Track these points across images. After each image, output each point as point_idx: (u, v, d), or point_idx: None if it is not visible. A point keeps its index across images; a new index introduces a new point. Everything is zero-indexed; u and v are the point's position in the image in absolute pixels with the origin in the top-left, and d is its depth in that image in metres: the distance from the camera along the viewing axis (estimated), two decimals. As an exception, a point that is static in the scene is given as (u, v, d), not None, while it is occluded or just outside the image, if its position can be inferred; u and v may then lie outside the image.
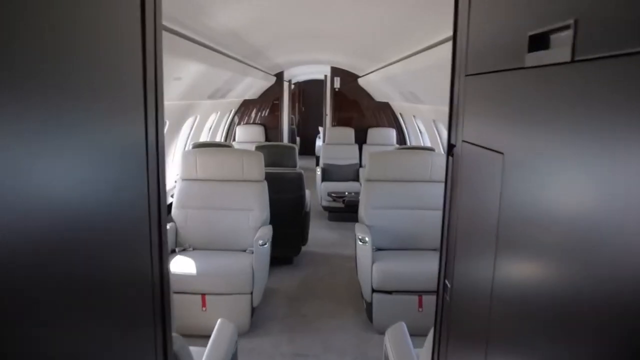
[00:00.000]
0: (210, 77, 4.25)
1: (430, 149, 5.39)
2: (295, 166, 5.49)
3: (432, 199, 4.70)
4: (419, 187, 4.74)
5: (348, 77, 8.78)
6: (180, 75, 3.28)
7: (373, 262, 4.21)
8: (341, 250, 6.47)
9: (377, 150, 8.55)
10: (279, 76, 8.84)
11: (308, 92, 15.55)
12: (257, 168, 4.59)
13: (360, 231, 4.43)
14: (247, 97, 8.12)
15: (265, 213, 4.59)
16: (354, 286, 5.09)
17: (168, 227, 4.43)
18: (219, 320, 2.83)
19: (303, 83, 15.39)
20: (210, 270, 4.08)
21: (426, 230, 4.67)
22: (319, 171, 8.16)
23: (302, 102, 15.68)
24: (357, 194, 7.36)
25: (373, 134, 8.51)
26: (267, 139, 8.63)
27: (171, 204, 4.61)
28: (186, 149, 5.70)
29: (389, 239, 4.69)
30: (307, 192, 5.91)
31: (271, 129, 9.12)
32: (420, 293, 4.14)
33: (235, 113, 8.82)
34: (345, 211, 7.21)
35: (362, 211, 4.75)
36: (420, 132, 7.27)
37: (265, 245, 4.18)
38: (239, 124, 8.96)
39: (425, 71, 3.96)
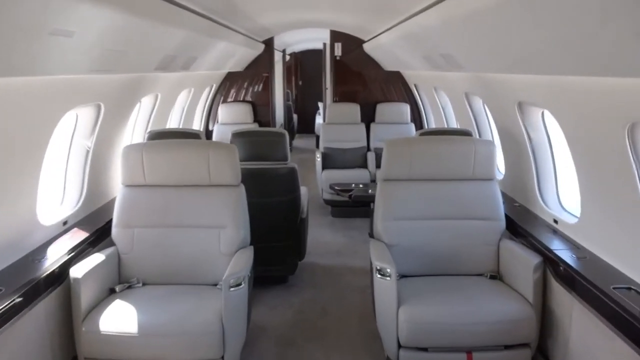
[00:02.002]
0: (145, 37, 2.86)
1: (466, 133, 4.01)
2: (286, 159, 4.12)
3: (476, 203, 3.36)
4: (457, 188, 3.40)
5: (351, 43, 7.31)
6: (69, 28, 1.89)
7: (399, 306, 2.88)
8: (349, 260, 5.15)
9: (389, 130, 7.18)
10: (269, 43, 7.38)
11: (305, 63, 14.05)
12: (229, 167, 3.23)
13: (377, 256, 3.09)
14: (229, 69, 6.66)
15: (243, 230, 3.25)
16: (368, 319, 3.78)
17: (107, 253, 3.12)
18: None
19: (300, 54, 13.89)
20: (160, 326, 2.76)
21: (469, 247, 3.35)
22: (319, 157, 6.78)
23: (299, 75, 14.18)
24: (367, 185, 5.99)
25: (383, 110, 7.10)
26: (256, 119, 7.23)
27: (110, 222, 3.27)
28: (142, 139, 4.32)
29: (417, 262, 3.37)
30: (304, 191, 4.55)
31: (261, 106, 7.71)
32: (469, 350, 2.83)
33: (218, 89, 7.39)
34: (351, 205, 5.86)
35: (378, 224, 3.40)
36: (442, 109, 5.86)
37: (241, 287, 2.84)
38: (224, 101, 7.54)
39: (474, 19, 2.55)
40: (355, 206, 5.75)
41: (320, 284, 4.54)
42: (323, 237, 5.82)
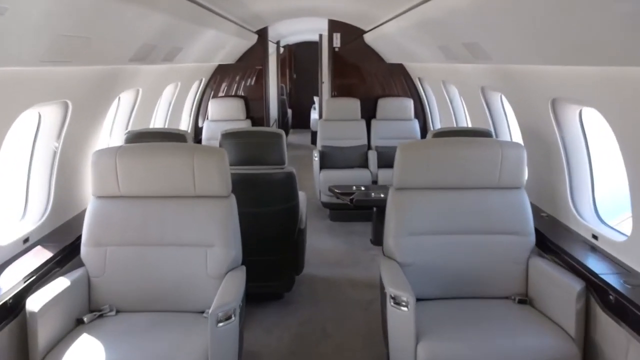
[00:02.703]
0: (114, 21, 2.38)
1: (486, 133, 3.57)
2: (283, 163, 3.65)
3: (503, 215, 2.93)
4: (481, 198, 2.95)
5: (351, 33, 6.83)
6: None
7: (418, 341, 2.44)
8: (350, 271, 4.71)
9: (392, 127, 6.66)
10: (262, 34, 6.88)
11: (300, 56, 13.55)
12: (217, 175, 2.76)
13: (391, 280, 2.65)
14: (219, 62, 6.16)
15: (234, 249, 2.79)
16: (374, 342, 3.35)
17: (74, 277, 2.66)
18: None
19: (294, 46, 13.39)
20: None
21: (494, 266, 2.92)
22: (316, 156, 6.31)
23: (293, 68, 13.68)
24: (368, 187, 5.54)
25: (384, 105, 6.63)
26: (248, 115, 6.75)
27: (79, 238, 2.80)
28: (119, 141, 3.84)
29: (435, 283, 2.94)
30: (302, 197, 4.10)
31: (255, 101, 7.21)
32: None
33: (208, 83, 6.89)
34: (351, 208, 5.41)
35: (389, 240, 2.96)
36: (451, 104, 5.41)
37: (231, 321, 2.39)
38: (214, 96, 7.04)
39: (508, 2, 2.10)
40: (355, 209, 5.30)
41: (320, 300, 4.10)
42: (322, 244, 5.37)
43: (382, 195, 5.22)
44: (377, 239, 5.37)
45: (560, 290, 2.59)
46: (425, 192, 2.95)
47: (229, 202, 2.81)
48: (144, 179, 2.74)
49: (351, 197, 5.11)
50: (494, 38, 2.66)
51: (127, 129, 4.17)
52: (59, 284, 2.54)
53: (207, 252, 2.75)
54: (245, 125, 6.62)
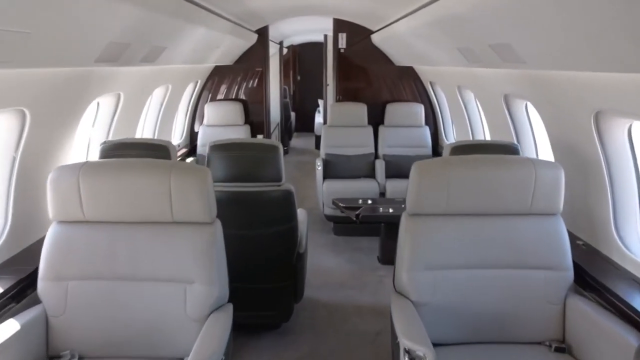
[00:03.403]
0: (63, 14, 1.94)
1: (512, 149, 3.13)
2: (279, 179, 3.20)
3: (536, 246, 2.50)
4: (510, 227, 2.51)
5: (358, 34, 6.39)
6: None
7: (439, 407, 2.00)
8: (356, 294, 4.27)
9: (401, 135, 6.14)
10: (263, 33, 6.45)
11: (304, 57, 13.12)
12: (199, 198, 2.33)
13: (405, 329, 2.21)
14: (214, 63, 5.72)
15: (218, 285, 2.36)
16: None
17: (28, 317, 2.24)
18: None
19: (298, 46, 12.96)
20: None
21: (526, 307, 2.49)
22: (319, 165, 5.87)
23: (297, 69, 13.24)
24: (375, 201, 5.10)
25: (393, 111, 6.18)
26: (247, 119, 6.31)
27: (36, 271, 2.38)
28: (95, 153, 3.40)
29: (456, 325, 2.50)
30: (302, 216, 3.67)
31: (255, 105, 6.78)
32: None
33: (204, 86, 6.46)
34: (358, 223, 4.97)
35: (402, 274, 2.52)
36: (467, 112, 4.95)
37: None
38: (212, 100, 6.61)
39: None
40: (361, 223, 4.86)
41: (322, 331, 3.66)
42: (324, 262, 4.93)
43: (390, 211, 4.79)
44: (385, 258, 4.94)
45: (609, 341, 2.14)
46: (444, 218, 2.50)
47: (213, 229, 2.38)
48: (112, 201, 2.31)
49: (357, 213, 4.68)
50: (530, 39, 2.21)
51: (107, 138, 3.75)
52: (10, 325, 2.13)
53: (187, 289, 2.32)
54: (244, 130, 6.18)
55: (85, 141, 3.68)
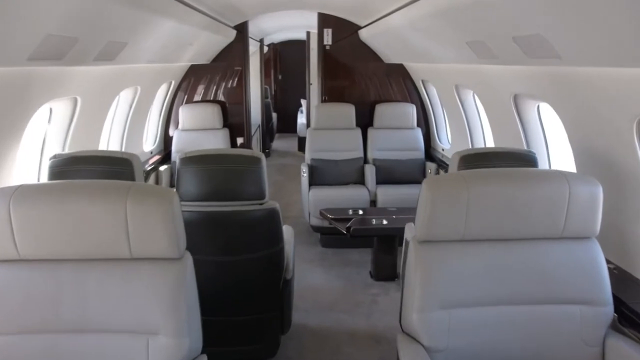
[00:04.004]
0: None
1: (528, 157, 2.73)
2: (262, 196, 2.75)
3: (569, 277, 2.11)
4: (539, 254, 2.11)
5: (344, 29, 5.95)
6: None
7: None
8: (348, 318, 3.85)
9: (392, 137, 5.66)
10: (242, 30, 5.97)
11: (286, 55, 12.67)
12: (163, 229, 1.86)
13: None
14: (188, 61, 5.23)
15: (189, 335, 1.90)
16: None
17: None
18: None
19: (279, 45, 12.51)
20: None
21: (559, 349, 2.10)
22: (304, 171, 5.44)
23: (278, 68, 12.77)
24: (367, 211, 4.68)
25: (383, 112, 5.76)
26: (226, 122, 5.83)
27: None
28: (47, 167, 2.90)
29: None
30: (288, 235, 3.24)
31: (235, 105, 6.31)
32: None
33: (179, 87, 5.96)
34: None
35: (412, 314, 2.10)
36: (465, 114, 4.56)
37: None
38: (188, 101, 6.11)
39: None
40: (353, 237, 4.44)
41: (312, 364, 3.23)
42: (312, 280, 4.50)
43: (384, 223, 4.38)
44: (378, 273, 4.54)
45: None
46: (462, 246, 2.09)
47: (182, 267, 1.92)
48: (53, 234, 1.84)
49: (348, 226, 4.26)
50: (569, 29, 1.80)
51: (64, 150, 3.25)
52: None
53: (150, 342, 1.86)
54: (222, 135, 5.71)
55: (36, 156, 3.19)
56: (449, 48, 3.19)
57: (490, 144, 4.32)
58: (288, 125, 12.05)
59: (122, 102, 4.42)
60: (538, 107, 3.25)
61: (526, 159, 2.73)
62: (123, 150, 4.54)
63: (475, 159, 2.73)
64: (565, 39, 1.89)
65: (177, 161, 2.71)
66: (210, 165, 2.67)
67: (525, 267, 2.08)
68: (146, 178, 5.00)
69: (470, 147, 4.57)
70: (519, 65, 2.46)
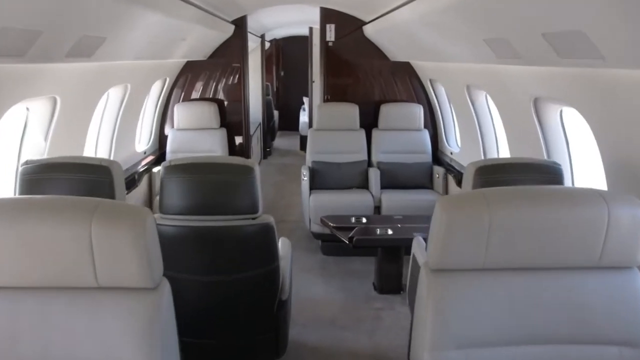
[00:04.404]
0: None
1: (552, 169, 2.45)
2: (255, 209, 2.47)
3: (607, 313, 1.83)
4: (573, 286, 1.83)
5: (347, 25, 5.66)
6: None
7: None
8: (351, 335, 3.58)
9: (398, 139, 5.30)
10: (240, 24, 5.69)
11: (288, 52, 12.37)
12: (135, 254, 1.58)
13: None
14: (182, 58, 4.94)
15: None
16: None
17: None
18: None
19: (281, 40, 12.21)
20: None
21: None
22: (305, 174, 5.16)
23: (280, 65, 12.48)
24: (371, 219, 4.40)
25: (388, 112, 5.47)
26: (224, 122, 5.56)
27: None
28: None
29: None
30: (284, 251, 2.96)
31: (234, 103, 6.04)
32: None
33: (174, 84, 5.68)
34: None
35: (422, 354, 1.82)
36: (475, 114, 4.27)
37: None
38: (185, 99, 5.84)
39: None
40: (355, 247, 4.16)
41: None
42: (312, 291, 4.23)
43: (389, 232, 4.11)
44: (382, 285, 4.26)
45: None
46: (482, 276, 1.81)
47: (157, 298, 1.65)
48: (9, 259, 1.58)
49: (351, 236, 3.98)
50: (618, 25, 1.51)
51: (43, 154, 2.98)
52: None
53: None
54: (219, 135, 5.43)
55: (11, 161, 2.92)
56: (463, 45, 2.90)
57: (504, 149, 4.04)
58: (290, 123, 11.77)
59: (112, 101, 4.16)
60: (561, 112, 2.96)
61: (550, 172, 2.45)
62: (113, 151, 4.28)
63: (493, 171, 2.45)
64: (613, 38, 1.60)
65: (162, 170, 2.43)
66: (197, 175, 2.40)
67: (556, 301, 1.80)
68: (139, 180, 4.74)
69: (482, 151, 4.29)
70: (548, 66, 2.18)
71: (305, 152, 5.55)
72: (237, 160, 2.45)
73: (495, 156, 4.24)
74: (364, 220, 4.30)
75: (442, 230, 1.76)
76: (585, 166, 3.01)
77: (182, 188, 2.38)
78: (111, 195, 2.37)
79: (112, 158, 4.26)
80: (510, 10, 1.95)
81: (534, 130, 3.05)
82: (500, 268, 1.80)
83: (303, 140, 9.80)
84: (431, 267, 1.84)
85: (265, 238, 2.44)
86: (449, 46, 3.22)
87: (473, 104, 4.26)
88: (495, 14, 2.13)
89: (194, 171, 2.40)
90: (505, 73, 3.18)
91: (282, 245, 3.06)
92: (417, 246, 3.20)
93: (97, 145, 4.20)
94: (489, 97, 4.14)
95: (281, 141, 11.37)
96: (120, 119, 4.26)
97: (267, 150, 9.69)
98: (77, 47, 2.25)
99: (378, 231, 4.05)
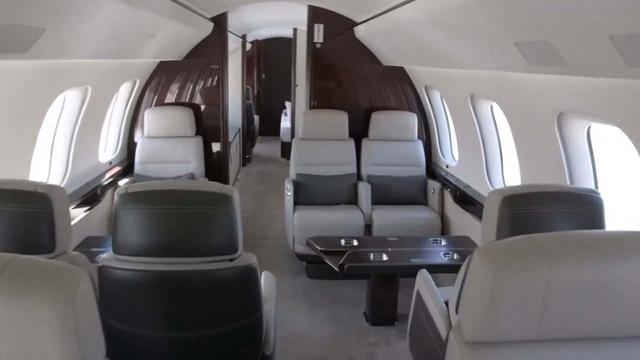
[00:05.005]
0: None
1: (591, 198, 2.03)
2: (234, 249, 1.98)
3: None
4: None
5: (337, 25, 5.21)
6: None
7: None
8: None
9: (389, 150, 4.82)
10: (220, 22, 5.19)
11: (271, 54, 11.89)
12: (61, 343, 1.09)
13: None
14: (153, 57, 4.42)
15: None
16: None
17: None
18: None
19: (264, 42, 11.73)
20: None
21: None
22: (289, 189, 4.69)
23: (262, 67, 11.99)
24: (362, 242, 3.94)
25: (379, 121, 5.04)
26: (200, 127, 5.05)
27: None
28: None
29: None
30: (269, 290, 2.49)
31: (212, 107, 5.54)
32: None
33: (146, 86, 5.15)
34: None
35: None
36: (479, 126, 3.86)
37: None
38: (158, 103, 5.31)
39: None
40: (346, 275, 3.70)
41: None
42: (296, 324, 3.76)
43: (384, 258, 3.66)
44: (374, 315, 3.81)
45: None
46: (532, 348, 1.38)
47: None
48: None
49: (341, 263, 3.52)
50: None
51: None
52: None
53: None
54: (193, 144, 4.93)
55: None
56: (484, 49, 2.48)
57: (511, 167, 3.65)
58: (271, 127, 11.28)
59: (69, 106, 3.63)
60: (588, 129, 2.56)
61: (590, 203, 2.04)
62: (70, 163, 3.75)
63: (523, 202, 2.03)
64: None
65: (115, 198, 1.94)
66: (160, 206, 1.91)
67: None
68: (102, 194, 4.21)
69: (484, 167, 3.88)
70: (610, 77, 1.76)
71: (286, 159, 5.09)
72: (212, 186, 1.97)
73: (499, 173, 3.84)
74: (355, 242, 3.84)
75: (486, 296, 1.32)
76: (612, 191, 2.62)
77: (141, 222, 1.89)
78: (50, 232, 1.88)
79: (69, 170, 3.74)
80: (563, 7, 1.53)
81: (554, 150, 2.65)
82: (557, 338, 1.38)
83: (284, 146, 9.33)
84: (467, 339, 1.40)
85: (246, 284, 1.97)
86: (464, 50, 2.79)
87: (476, 115, 3.85)
88: (536, 13, 1.70)
89: (156, 201, 1.91)
90: (520, 82, 2.77)
91: (266, 282, 2.59)
92: (423, 282, 2.77)
93: (51, 157, 3.67)
94: (494, 108, 3.75)
95: (261, 147, 10.87)
96: (79, 126, 3.73)
97: (246, 157, 9.18)
98: (3, 39, 1.75)
99: (371, 256, 3.60)
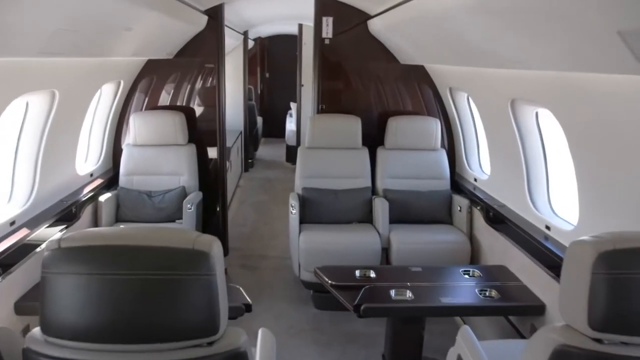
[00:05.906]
0: None
1: None
2: (213, 330, 1.39)
3: None
4: None
5: (348, 18, 4.59)
6: None
7: None
8: None
9: (409, 161, 4.20)
10: (215, 16, 4.58)
11: (275, 52, 11.30)
12: None
13: None
14: (133, 54, 3.79)
15: None
16: None
17: None
18: None
19: (267, 39, 11.15)
20: None
21: None
22: (294, 205, 4.09)
23: (265, 66, 11.39)
24: (381, 273, 3.33)
25: (398, 127, 4.41)
26: (193, 134, 4.45)
27: None
28: None
29: None
30: (265, 351, 1.89)
31: (208, 109, 4.95)
32: None
33: (132, 87, 4.55)
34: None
35: None
36: (520, 139, 3.24)
37: None
38: (150, 106, 4.72)
39: None
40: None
41: None
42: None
43: (408, 296, 3.08)
44: (395, 359, 3.25)
45: None
46: None
47: None
48: None
49: (357, 303, 2.91)
50: None
51: None
52: None
53: None
54: (185, 153, 4.33)
55: None
56: (561, 43, 1.86)
57: (560, 187, 3.04)
58: (275, 129, 10.71)
59: (33, 113, 3.05)
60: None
61: None
62: (37, 178, 3.18)
63: (632, 261, 1.42)
64: None
65: (45, 255, 1.35)
66: (107, 271, 1.31)
67: None
68: (79, 211, 3.64)
69: (526, 186, 3.26)
70: None
71: (291, 164, 4.50)
72: (182, 238, 1.36)
73: (544, 194, 3.22)
74: (372, 274, 3.24)
75: None
76: None
77: (79, 293, 1.30)
78: None
79: (36, 186, 3.16)
80: None
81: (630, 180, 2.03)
82: None
83: (290, 150, 8.74)
84: None
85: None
86: (517, 44, 2.18)
87: (516, 123, 3.24)
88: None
89: (101, 261, 1.31)
90: (590, 85, 2.16)
91: (262, 343, 1.99)
92: (465, 344, 2.18)
93: (13, 172, 3.10)
94: (539, 117, 3.13)
95: (265, 150, 10.28)
96: (47, 135, 3.15)
97: (249, 162, 8.60)
98: None
99: (393, 293, 2.99)
